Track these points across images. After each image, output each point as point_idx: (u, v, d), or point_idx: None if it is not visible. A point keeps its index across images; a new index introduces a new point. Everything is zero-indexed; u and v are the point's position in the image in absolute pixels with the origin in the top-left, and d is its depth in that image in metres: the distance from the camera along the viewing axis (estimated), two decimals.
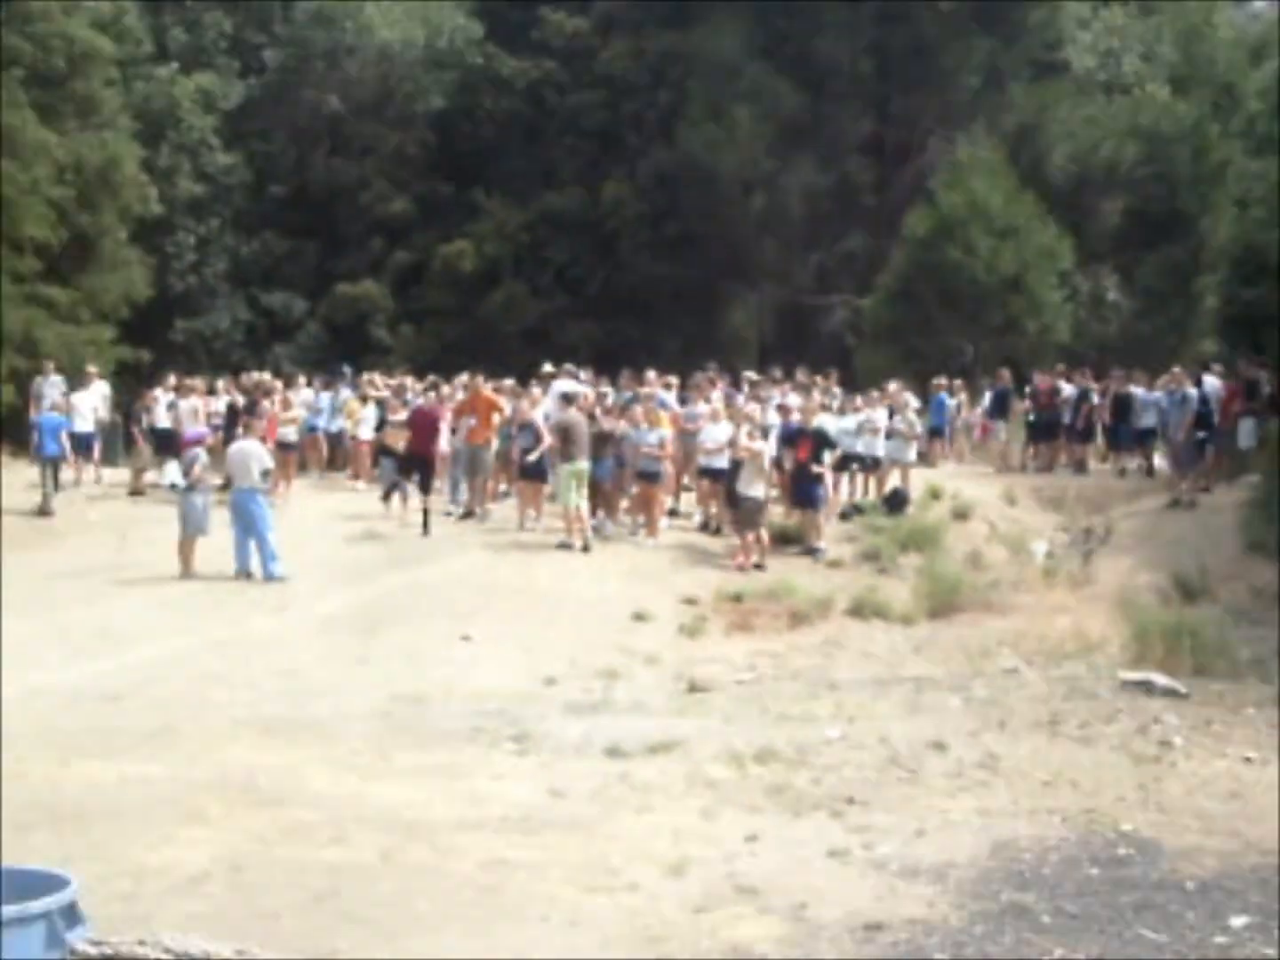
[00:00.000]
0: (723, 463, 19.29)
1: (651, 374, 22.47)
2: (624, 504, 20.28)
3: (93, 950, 6.14)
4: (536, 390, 21.63)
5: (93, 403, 23.95)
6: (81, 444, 23.32)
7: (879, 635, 16.43)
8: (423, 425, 20.00)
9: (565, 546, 18.62)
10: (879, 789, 9.78)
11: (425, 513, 19.55)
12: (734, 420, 19.47)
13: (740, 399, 21.35)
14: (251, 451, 18.02)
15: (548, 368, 23.35)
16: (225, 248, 39.18)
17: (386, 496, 20.17)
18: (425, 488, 19.84)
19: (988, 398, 25.60)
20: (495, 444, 20.89)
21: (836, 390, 23.61)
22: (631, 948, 6.87)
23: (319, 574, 17.76)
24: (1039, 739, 11.24)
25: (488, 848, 8.40)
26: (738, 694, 13.43)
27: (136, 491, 23.01)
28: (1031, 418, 24.42)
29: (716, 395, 21.31)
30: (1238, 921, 7.27)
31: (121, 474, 24.16)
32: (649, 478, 19.40)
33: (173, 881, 7.65)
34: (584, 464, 18.75)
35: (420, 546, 18.94)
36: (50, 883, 5.23)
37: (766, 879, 7.87)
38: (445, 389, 23.48)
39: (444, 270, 39.05)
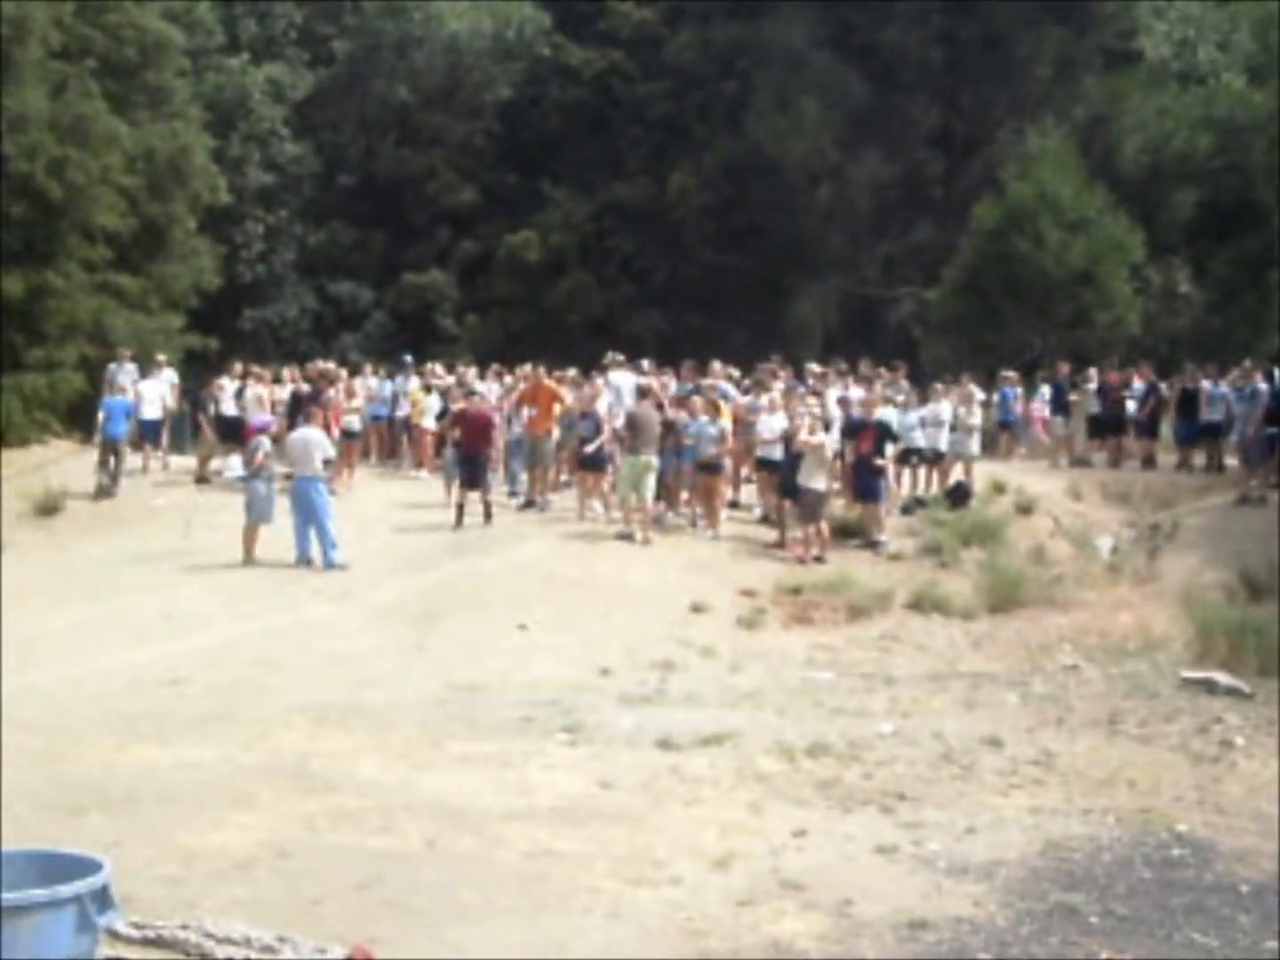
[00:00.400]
0: (778, 453, 19.17)
1: (717, 365, 22.38)
2: (684, 495, 20.21)
3: (135, 934, 6.22)
4: (599, 381, 21.63)
5: (160, 390, 24.18)
6: (148, 431, 23.68)
7: (938, 630, 16.27)
8: (473, 427, 19.80)
9: (624, 537, 18.59)
10: (931, 785, 9.69)
11: (487, 503, 19.55)
12: (789, 411, 19.34)
13: (801, 390, 21.18)
14: (313, 439, 18.12)
15: (608, 358, 23.37)
16: (293, 237, 39.59)
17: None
18: (484, 486, 19.74)
19: (1045, 391, 25.24)
20: (556, 434, 20.89)
21: (904, 384, 23.28)
22: (671, 941, 6.83)
23: (379, 562, 17.86)
24: (1096, 737, 11.12)
25: (534, 838, 8.39)
26: (794, 686, 13.37)
27: (202, 479, 23.21)
28: (1097, 410, 24.08)
29: (777, 386, 21.16)
30: None
31: (188, 461, 24.37)
32: (710, 469, 19.31)
33: (220, 866, 7.70)
34: (650, 457, 18.68)
35: (480, 536, 18.95)
36: (84, 866, 5.26)
37: (812, 874, 7.81)
38: (508, 379, 23.53)
39: (510, 260, 39.14)
